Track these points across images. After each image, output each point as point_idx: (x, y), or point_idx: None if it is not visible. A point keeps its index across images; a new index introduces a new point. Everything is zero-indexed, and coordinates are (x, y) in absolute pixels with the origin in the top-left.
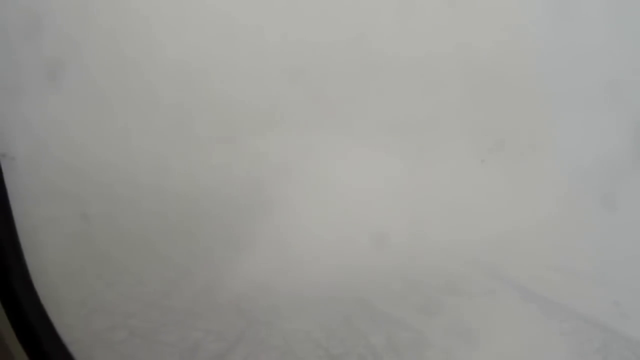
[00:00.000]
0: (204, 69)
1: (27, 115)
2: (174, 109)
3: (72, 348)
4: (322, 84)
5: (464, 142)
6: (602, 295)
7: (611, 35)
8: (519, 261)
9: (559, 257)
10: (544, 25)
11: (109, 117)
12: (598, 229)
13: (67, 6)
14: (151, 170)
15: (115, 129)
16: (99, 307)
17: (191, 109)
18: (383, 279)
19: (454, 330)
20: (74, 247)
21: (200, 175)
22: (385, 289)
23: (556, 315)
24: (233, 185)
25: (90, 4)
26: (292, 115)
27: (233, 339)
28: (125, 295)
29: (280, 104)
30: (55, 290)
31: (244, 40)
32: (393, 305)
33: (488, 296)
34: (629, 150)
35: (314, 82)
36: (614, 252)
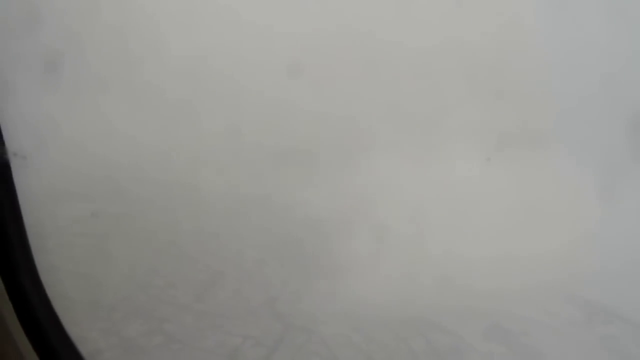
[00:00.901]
0: (208, 63)
1: (32, 112)
2: (179, 103)
3: (108, 355)
4: (325, 79)
5: (468, 139)
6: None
7: (610, 30)
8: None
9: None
10: (543, 19)
11: (113, 113)
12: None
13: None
14: (161, 166)
15: (121, 125)
16: (133, 311)
17: (197, 104)
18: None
19: (494, 334)
20: (91, 247)
21: (208, 172)
22: (423, 293)
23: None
24: (246, 182)
25: None
26: (296, 110)
27: (272, 345)
28: (158, 299)
29: (284, 98)
30: (68, 293)
31: (247, 35)
32: (430, 309)
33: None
34: (627, 144)
35: (316, 77)
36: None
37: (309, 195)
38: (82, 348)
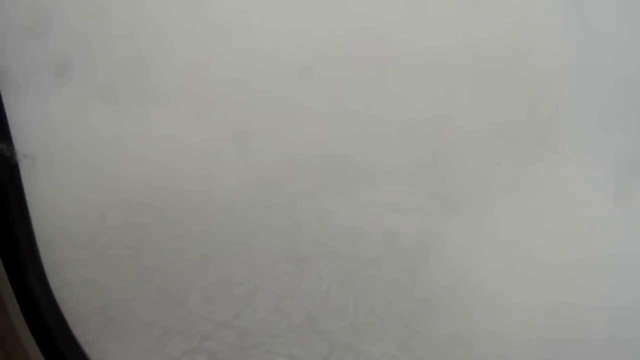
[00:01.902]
0: (216, 66)
1: (42, 115)
2: (186, 105)
3: None
4: (334, 80)
5: (479, 143)
6: None
7: (624, 31)
8: None
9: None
10: (558, 21)
11: (122, 116)
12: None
13: (78, 2)
14: (171, 172)
15: (130, 129)
16: (173, 328)
17: (203, 106)
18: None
19: None
20: (123, 259)
21: (217, 175)
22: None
23: None
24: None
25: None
26: (304, 111)
27: None
28: (197, 315)
29: (292, 100)
30: (104, 308)
31: (254, 37)
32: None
33: None
34: None
35: (325, 77)
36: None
37: (337, 204)
38: None
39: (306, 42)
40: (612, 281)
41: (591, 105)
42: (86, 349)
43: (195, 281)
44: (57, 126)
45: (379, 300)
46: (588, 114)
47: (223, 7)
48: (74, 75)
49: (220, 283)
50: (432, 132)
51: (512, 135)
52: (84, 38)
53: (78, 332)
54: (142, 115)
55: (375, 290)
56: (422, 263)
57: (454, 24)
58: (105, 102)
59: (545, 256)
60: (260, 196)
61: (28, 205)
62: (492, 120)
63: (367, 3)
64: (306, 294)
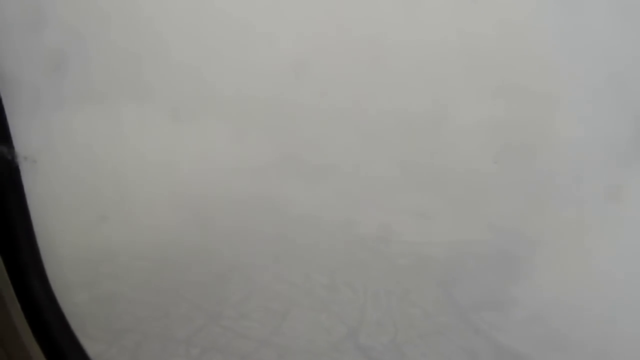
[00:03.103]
0: (209, 65)
1: (40, 115)
2: (180, 104)
3: None
4: (327, 77)
5: (474, 140)
6: None
7: (616, 29)
8: None
9: None
10: (550, 19)
11: (119, 115)
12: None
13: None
14: (167, 174)
15: (126, 128)
16: (210, 346)
17: (196, 105)
18: None
19: None
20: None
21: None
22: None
23: None
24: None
25: None
26: (298, 109)
27: None
28: (234, 331)
29: (285, 97)
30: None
31: (246, 36)
32: (511, 336)
33: None
34: (634, 142)
35: (318, 74)
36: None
37: (357, 212)
38: None
39: (300, 40)
40: None
41: (583, 101)
42: None
43: (227, 296)
44: (55, 127)
45: (416, 313)
46: (580, 109)
47: (219, 6)
48: (68, 74)
49: (253, 297)
50: (426, 128)
51: (506, 133)
52: (78, 36)
53: (112, 352)
54: (141, 115)
55: (411, 302)
56: (453, 273)
57: (447, 22)
58: (100, 101)
59: None
60: (278, 205)
61: (29, 207)
62: (485, 116)
63: (361, 2)
64: (343, 307)
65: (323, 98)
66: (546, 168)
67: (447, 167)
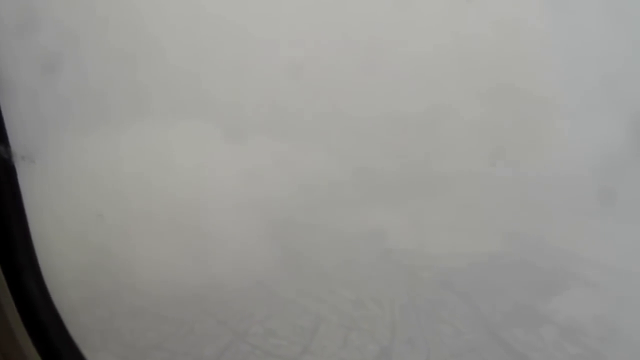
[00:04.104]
0: (201, 66)
1: (34, 115)
2: (173, 105)
3: None
4: (322, 79)
5: (470, 141)
6: None
7: (610, 30)
8: None
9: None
10: (544, 21)
11: (114, 115)
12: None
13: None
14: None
15: (122, 129)
16: None
17: (189, 105)
18: None
19: None
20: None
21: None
22: None
23: None
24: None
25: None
26: (293, 110)
27: None
28: (262, 350)
29: (280, 99)
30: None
31: (241, 37)
32: (545, 355)
33: None
34: (628, 143)
35: (313, 77)
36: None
37: (383, 224)
38: None
39: (294, 43)
40: None
41: (577, 102)
42: None
43: (252, 312)
44: (51, 127)
45: (446, 331)
46: (574, 110)
47: (212, 10)
48: (62, 74)
49: (279, 313)
50: (423, 130)
51: (500, 134)
52: (72, 36)
53: None
54: (138, 117)
55: (440, 318)
56: (478, 286)
57: (442, 24)
58: (95, 101)
59: None
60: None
61: (25, 207)
62: (480, 118)
63: (358, 6)
64: (372, 324)
65: (316, 100)
66: (540, 171)
67: (446, 171)
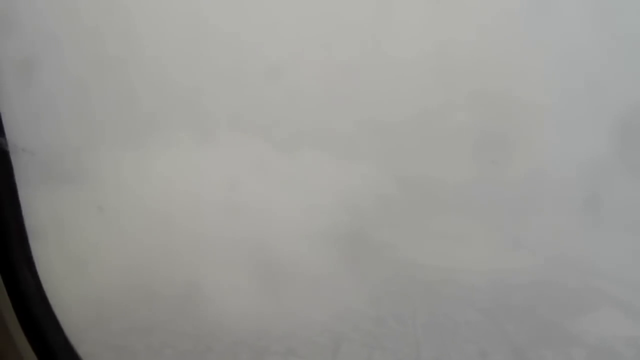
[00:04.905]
0: (182, 68)
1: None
2: (152, 105)
3: None
4: (299, 83)
5: (452, 147)
6: None
7: (591, 33)
8: None
9: None
10: (528, 23)
11: (93, 114)
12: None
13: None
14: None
15: (95, 126)
16: None
17: (169, 107)
18: None
19: None
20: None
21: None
22: None
23: None
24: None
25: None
26: (269, 114)
27: None
28: None
29: (257, 103)
30: None
31: (221, 40)
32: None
33: None
34: (612, 149)
35: (290, 81)
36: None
37: (396, 236)
38: None
39: (273, 47)
40: None
41: (560, 105)
42: None
43: (269, 329)
44: (54, 122)
45: (472, 351)
46: (558, 113)
47: (194, 12)
48: (42, 74)
49: (298, 330)
50: (407, 132)
51: (482, 138)
52: (51, 37)
53: None
54: (110, 111)
55: (464, 338)
56: (500, 304)
57: (424, 28)
58: (74, 101)
59: None
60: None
61: (20, 201)
62: (461, 122)
63: (340, 9)
64: (396, 343)
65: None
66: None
67: (443, 178)
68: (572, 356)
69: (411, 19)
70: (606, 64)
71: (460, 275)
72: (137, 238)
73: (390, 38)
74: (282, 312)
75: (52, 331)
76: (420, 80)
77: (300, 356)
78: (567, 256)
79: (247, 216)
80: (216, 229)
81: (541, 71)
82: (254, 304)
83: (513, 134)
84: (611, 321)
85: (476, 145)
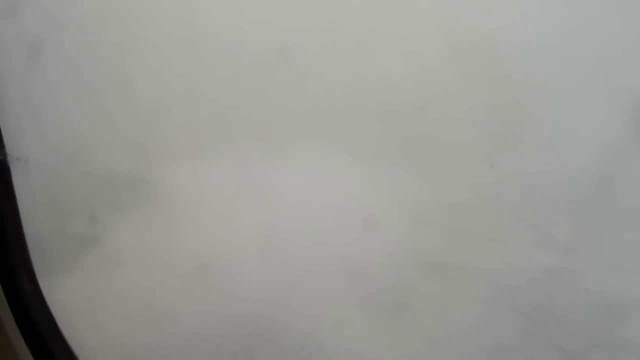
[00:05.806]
0: (186, 57)
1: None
2: (155, 97)
3: None
4: (311, 65)
5: (467, 137)
6: None
7: (608, 12)
8: None
9: None
10: (539, 4)
11: (101, 106)
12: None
13: None
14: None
15: (98, 119)
16: None
17: (171, 98)
18: None
19: None
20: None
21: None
22: None
23: None
24: None
25: None
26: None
27: None
28: None
29: (268, 88)
30: None
31: (228, 24)
32: None
33: None
34: (627, 130)
35: (302, 63)
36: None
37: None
38: None
39: (283, 28)
40: None
41: (571, 90)
42: None
43: (281, 346)
44: (50, 126)
45: (520, 359)
46: (569, 99)
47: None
48: (47, 61)
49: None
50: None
51: (501, 131)
52: (55, 23)
53: None
54: (110, 103)
55: (512, 345)
56: (543, 308)
57: (434, 10)
58: (80, 90)
59: None
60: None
61: (19, 208)
62: (473, 107)
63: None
64: None
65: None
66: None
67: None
68: None
69: (422, 4)
70: (619, 41)
71: (496, 276)
72: None
73: (401, 24)
74: None
75: (50, 334)
76: (430, 62)
77: None
78: (611, 256)
79: None
80: None
81: (553, 52)
82: None
83: (531, 125)
84: None
85: (492, 135)
